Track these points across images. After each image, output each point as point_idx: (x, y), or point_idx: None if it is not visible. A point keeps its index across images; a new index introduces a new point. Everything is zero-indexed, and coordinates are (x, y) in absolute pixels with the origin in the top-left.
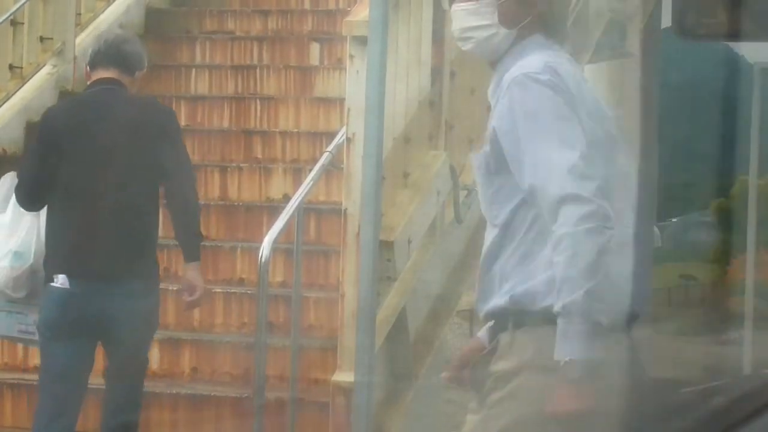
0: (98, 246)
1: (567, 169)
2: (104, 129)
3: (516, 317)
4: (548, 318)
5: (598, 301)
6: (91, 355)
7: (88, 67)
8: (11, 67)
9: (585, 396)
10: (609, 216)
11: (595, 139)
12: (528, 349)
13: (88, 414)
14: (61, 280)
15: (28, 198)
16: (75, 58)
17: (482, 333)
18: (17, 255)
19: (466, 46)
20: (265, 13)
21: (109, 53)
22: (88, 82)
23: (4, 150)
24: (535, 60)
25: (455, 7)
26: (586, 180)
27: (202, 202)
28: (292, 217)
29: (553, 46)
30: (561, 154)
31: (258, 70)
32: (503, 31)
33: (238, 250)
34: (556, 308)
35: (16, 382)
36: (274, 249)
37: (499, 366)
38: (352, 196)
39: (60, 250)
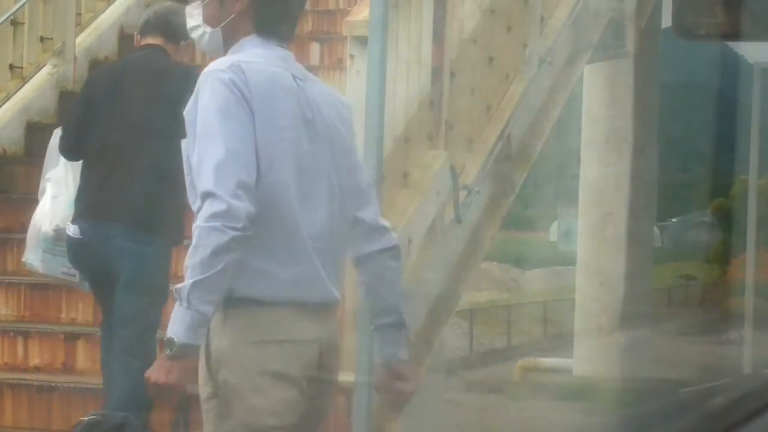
0: (115, 194)
1: (213, 166)
2: (138, 90)
3: (225, 299)
4: (249, 301)
5: (207, 293)
6: (110, 298)
7: (138, 35)
8: (11, 67)
9: (174, 374)
10: (239, 217)
11: (274, 140)
12: (235, 327)
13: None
14: (72, 230)
15: (69, 149)
16: (75, 58)
17: None
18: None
19: (197, 45)
20: None
21: (157, 23)
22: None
23: (4, 150)
24: (228, 58)
25: (187, 8)
26: (228, 179)
27: None
28: None
29: (268, 45)
30: (213, 150)
31: None
32: (209, 30)
33: None
34: (173, 290)
35: (16, 382)
36: None
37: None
38: None
39: (82, 197)
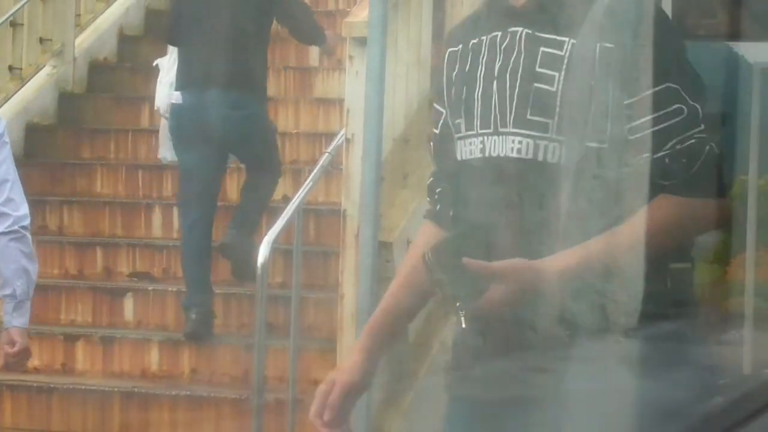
0: (209, 63)
1: None
2: None
3: None
4: None
5: None
6: (218, 163)
7: None
8: (11, 68)
9: None
10: None
11: None
12: None
13: (87, 415)
14: (175, 97)
15: (170, 34)
16: (75, 59)
17: None
18: (172, 84)
19: None
20: None
21: None
22: None
23: None
24: None
25: None
26: None
27: None
28: (291, 217)
29: None
30: None
31: None
32: None
33: None
34: None
35: (15, 383)
36: (274, 250)
37: None
38: (352, 197)
39: (182, 69)
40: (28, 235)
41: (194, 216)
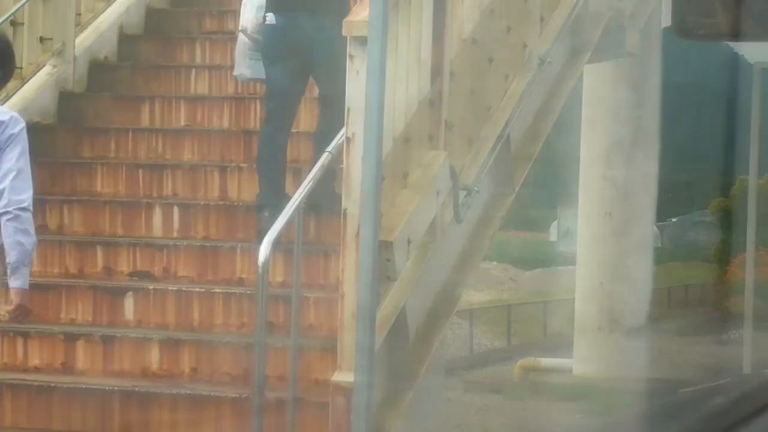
0: None
1: None
2: None
3: None
4: None
5: None
6: (301, 78)
7: None
8: None
9: None
10: None
11: None
12: None
13: (87, 414)
14: (269, 18)
15: None
16: (75, 58)
17: None
18: (259, 7)
19: None
20: None
21: None
22: None
23: None
24: None
25: None
26: None
27: (201, 202)
28: (292, 217)
29: None
30: None
31: None
32: None
33: (238, 249)
34: None
35: (16, 382)
36: (274, 249)
37: None
38: (352, 196)
39: None
40: (24, 214)
41: (277, 123)
